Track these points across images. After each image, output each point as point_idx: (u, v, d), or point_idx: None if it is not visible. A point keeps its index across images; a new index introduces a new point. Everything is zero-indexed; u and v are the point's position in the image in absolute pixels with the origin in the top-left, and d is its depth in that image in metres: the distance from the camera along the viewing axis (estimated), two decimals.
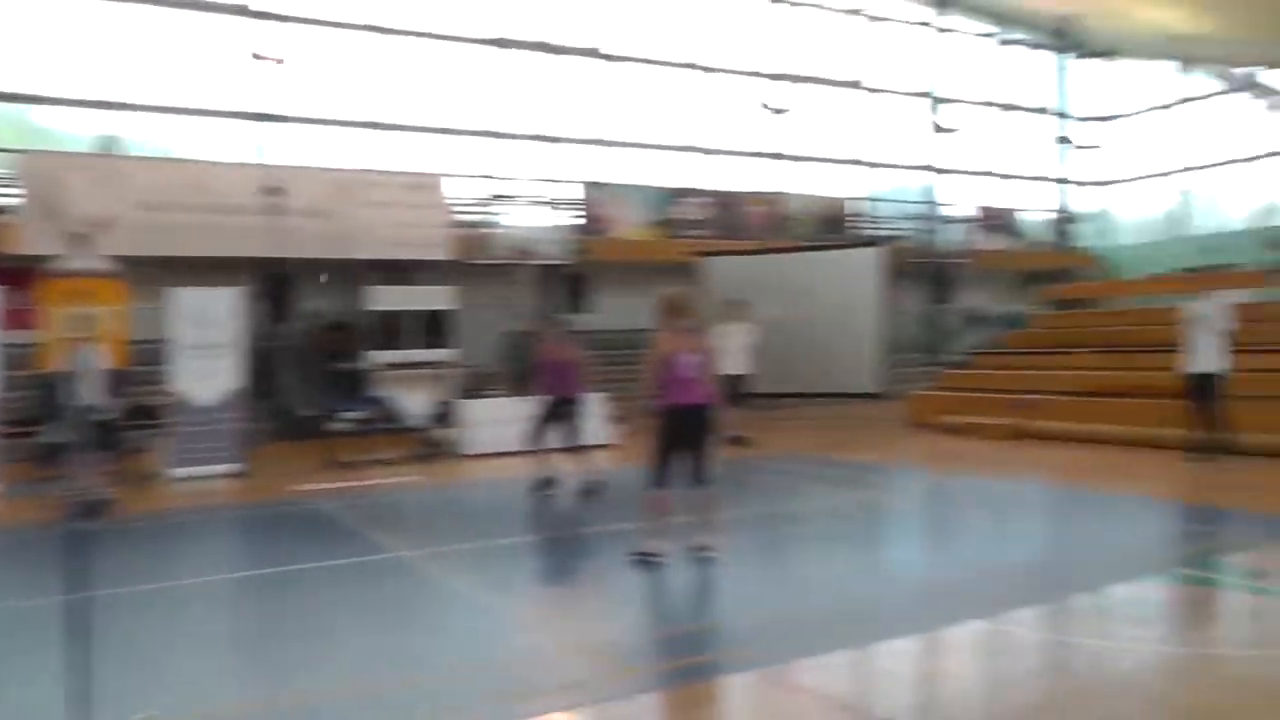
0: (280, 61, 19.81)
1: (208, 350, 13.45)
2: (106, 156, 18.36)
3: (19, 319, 15.11)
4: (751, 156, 25.96)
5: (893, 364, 20.36)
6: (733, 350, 15.39)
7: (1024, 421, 15.46)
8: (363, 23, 21.86)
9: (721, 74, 25.85)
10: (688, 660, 5.34)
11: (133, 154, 19.27)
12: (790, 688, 4.85)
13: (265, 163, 19.49)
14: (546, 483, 11.11)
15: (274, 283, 17.24)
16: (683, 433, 7.48)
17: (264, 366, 15.99)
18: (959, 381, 18.59)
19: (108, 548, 8.47)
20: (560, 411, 11.02)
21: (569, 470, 11.14)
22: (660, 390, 7.52)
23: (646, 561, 7.28)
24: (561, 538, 9.33)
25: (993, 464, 12.77)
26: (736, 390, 15.50)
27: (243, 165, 19.65)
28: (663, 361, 7.50)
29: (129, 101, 19.83)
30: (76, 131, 19.90)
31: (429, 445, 14.74)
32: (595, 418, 13.02)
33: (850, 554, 8.19)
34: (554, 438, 11.11)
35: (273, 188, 15.03)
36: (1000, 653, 5.43)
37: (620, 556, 7.72)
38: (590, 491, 10.77)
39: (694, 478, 7.55)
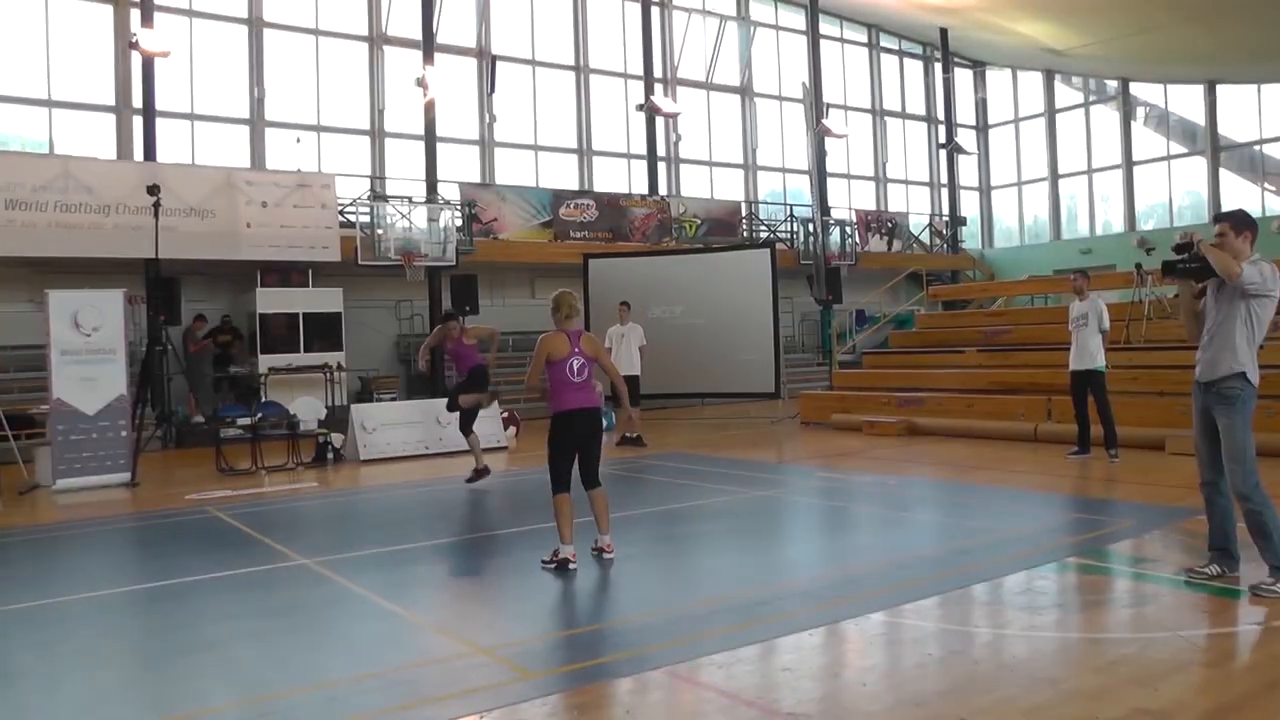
0: (166, 54, 19.28)
1: (89, 355, 12.98)
2: None
3: None
4: (638, 159, 26.14)
5: (785, 364, 20.66)
6: (625, 351, 15.48)
7: (913, 419, 15.83)
8: (245, 16, 21.48)
9: (609, 76, 26.00)
10: (592, 661, 5.34)
11: (1, 149, 18.63)
12: (695, 685, 4.88)
13: (143, 160, 18.96)
14: (481, 472, 11.69)
15: (158, 285, 16.74)
16: (576, 435, 7.52)
17: (150, 372, 15.54)
18: (850, 380, 18.93)
19: None
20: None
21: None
22: (552, 394, 7.55)
23: (562, 567, 7.26)
24: (463, 541, 9.25)
25: (885, 460, 13.04)
26: (631, 391, 15.63)
27: (119, 162, 19.11)
28: (553, 364, 7.48)
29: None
30: None
31: (322, 450, 14.51)
32: (489, 418, 13.03)
33: (747, 551, 8.26)
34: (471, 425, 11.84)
35: (153, 185, 14.60)
36: (900, 643, 5.53)
37: (522, 558, 7.75)
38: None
39: (586, 479, 7.58)
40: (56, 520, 10.65)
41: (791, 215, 27.33)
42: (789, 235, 26.71)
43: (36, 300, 14.00)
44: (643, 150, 26.01)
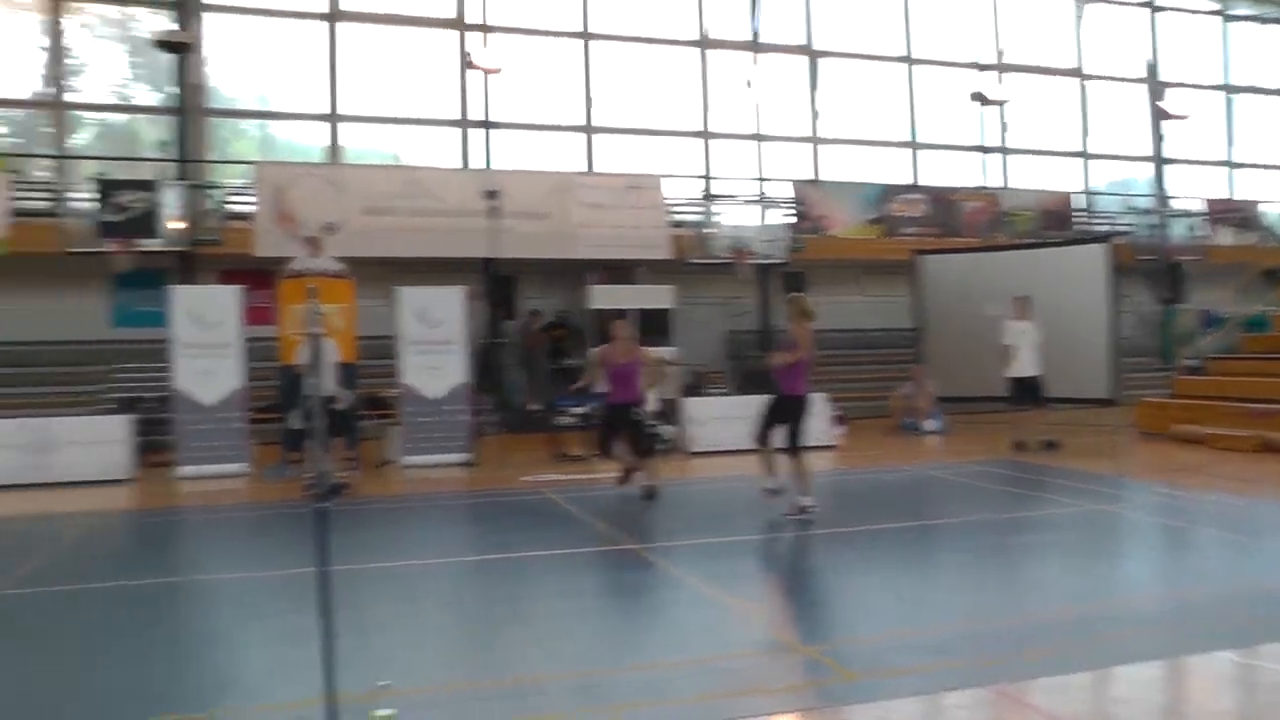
0: (497, 70, 20.51)
1: (433, 346, 14.05)
2: (334, 165, 19.51)
3: (260, 315, 16.19)
4: (969, 151, 25.30)
5: (1122, 368, 19.43)
6: (1026, 351, 14.69)
7: (1268, 433, 14.47)
8: (573, 29, 22.45)
9: (936, 66, 25.34)
10: (916, 668, 5.18)
11: (357, 162, 20.52)
12: (1023, 706, 4.67)
13: (482, 168, 20.21)
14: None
15: (496, 282, 17.82)
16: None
17: (488, 362, 16.53)
18: (1194, 388, 17.55)
19: (345, 528, 8.97)
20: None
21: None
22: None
23: (649, 495, 10.44)
24: (788, 537, 9.05)
25: (1236, 479, 11.90)
26: (1035, 393, 14.91)
27: (460, 170, 20.49)
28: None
29: (355, 113, 21.13)
30: (307, 142, 21.42)
31: (653, 441, 14.83)
32: (815, 418, 12.90)
33: (1079, 568, 7.78)
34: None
35: (491, 191, 15.63)
36: (1256, 687, 5.02)
37: (847, 557, 7.73)
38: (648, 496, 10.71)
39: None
40: (404, 493, 11.54)
41: (1130, 206, 25.61)
42: (1127, 228, 25.09)
43: (387, 297, 15.23)
44: (972, 141, 25.17)
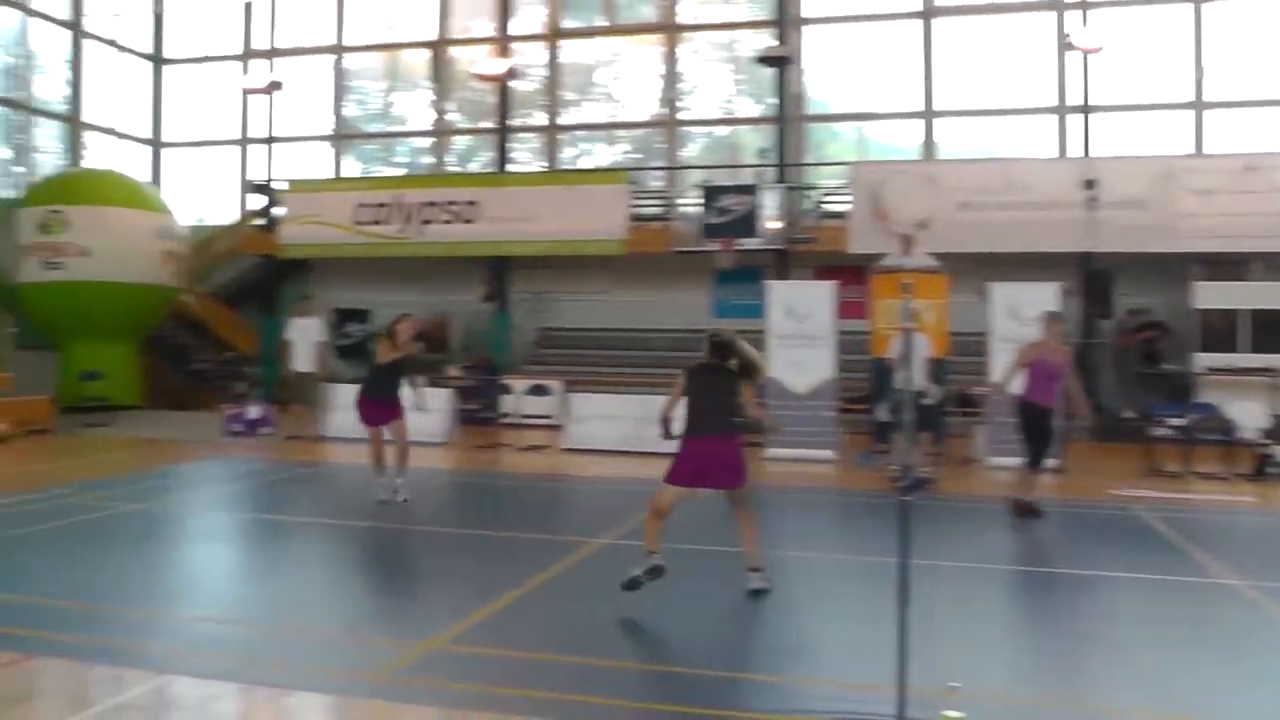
0: (1098, 50, 19.30)
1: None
2: (928, 161, 19.75)
3: (852, 310, 16.83)
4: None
5: None
6: None
7: None
8: None
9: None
10: None
11: (951, 158, 20.74)
12: None
13: (1080, 156, 19.26)
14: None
15: (1092, 278, 16.94)
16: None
17: (1081, 364, 15.83)
18: None
19: (925, 522, 9.00)
20: None
21: None
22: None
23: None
24: None
25: None
26: None
27: (1057, 160, 19.75)
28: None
29: (949, 109, 21.35)
30: (901, 141, 22.04)
31: (1264, 463, 13.19)
32: None
33: None
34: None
35: (1089, 180, 14.86)
36: None
37: None
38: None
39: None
40: (986, 494, 11.32)
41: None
42: None
43: (980, 293, 15.07)
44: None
